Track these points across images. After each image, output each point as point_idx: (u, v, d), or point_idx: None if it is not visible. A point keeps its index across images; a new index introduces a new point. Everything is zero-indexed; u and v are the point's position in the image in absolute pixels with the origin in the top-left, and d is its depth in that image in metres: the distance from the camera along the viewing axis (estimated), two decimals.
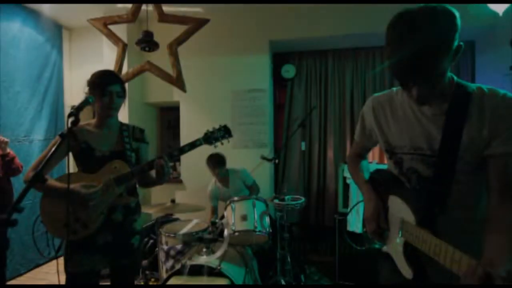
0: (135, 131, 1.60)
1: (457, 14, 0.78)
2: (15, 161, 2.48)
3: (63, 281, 1.36)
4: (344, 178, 2.88)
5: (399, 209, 0.94)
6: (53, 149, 1.14)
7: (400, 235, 0.92)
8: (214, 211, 2.98)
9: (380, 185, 1.03)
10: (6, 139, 2.43)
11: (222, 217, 2.47)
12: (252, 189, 2.92)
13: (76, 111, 1.19)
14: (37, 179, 1.00)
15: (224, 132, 1.56)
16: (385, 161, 1.25)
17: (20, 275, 3.07)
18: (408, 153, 0.96)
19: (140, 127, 1.65)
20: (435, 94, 0.86)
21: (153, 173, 1.48)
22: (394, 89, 1.04)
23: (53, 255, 3.44)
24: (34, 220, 3.16)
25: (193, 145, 1.51)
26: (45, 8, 3.29)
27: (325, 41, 3.51)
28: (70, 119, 1.16)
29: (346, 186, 2.87)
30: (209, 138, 1.53)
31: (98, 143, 1.48)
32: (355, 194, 2.74)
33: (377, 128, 1.05)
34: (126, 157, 1.49)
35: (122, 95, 1.49)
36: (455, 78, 0.91)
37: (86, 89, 1.47)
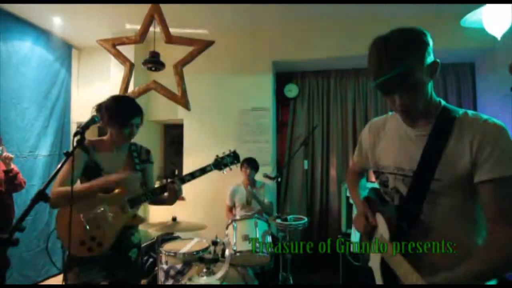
0: (142, 152, 1.66)
1: (426, 32, 0.87)
2: (18, 177, 2.49)
3: None
4: (347, 198, 2.86)
5: (380, 225, 0.98)
6: (59, 165, 1.15)
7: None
8: (230, 209, 3.09)
9: (371, 203, 1.06)
10: (10, 155, 2.45)
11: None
12: (266, 206, 2.92)
13: (82, 130, 1.21)
14: (40, 198, 1.00)
15: (233, 158, 1.63)
16: None
17: None
18: (392, 173, 1.00)
19: (146, 147, 1.71)
20: (418, 109, 0.90)
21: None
22: (390, 113, 1.10)
23: (53, 272, 3.39)
24: (49, 235, 3.20)
25: (203, 171, 1.58)
26: (56, 28, 3.41)
27: (327, 62, 3.59)
28: (76, 138, 1.18)
29: (350, 206, 2.84)
30: (219, 164, 1.60)
31: (107, 165, 1.51)
32: None
33: (370, 150, 1.12)
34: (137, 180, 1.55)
35: (140, 125, 1.57)
36: (443, 102, 0.96)
37: (94, 110, 1.50)
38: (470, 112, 0.91)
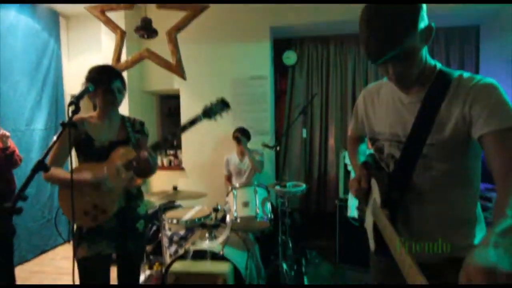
0: (135, 123, 1.64)
1: None
2: (16, 154, 2.50)
3: (70, 266, 1.38)
4: (345, 165, 2.90)
5: (374, 190, 1.00)
6: (54, 138, 1.15)
7: (372, 213, 1.00)
8: (229, 179, 3.16)
9: (368, 168, 1.08)
10: (7, 133, 2.43)
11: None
12: (256, 162, 2.94)
13: (76, 100, 1.20)
14: (40, 168, 1.01)
15: (222, 105, 1.59)
16: None
17: (27, 261, 3.15)
18: (387, 139, 1.00)
19: (141, 119, 1.68)
20: (413, 77, 0.88)
21: None
22: (385, 79, 1.07)
23: (60, 241, 3.52)
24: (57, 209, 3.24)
25: (193, 122, 1.52)
26: None
27: (327, 27, 3.44)
28: (71, 108, 1.16)
29: (347, 173, 2.89)
30: (208, 112, 1.55)
31: (98, 134, 1.50)
32: None
33: (365, 118, 1.11)
34: (131, 144, 1.53)
35: (123, 90, 1.53)
36: (439, 65, 0.93)
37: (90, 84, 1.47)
38: (465, 74, 0.89)
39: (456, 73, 0.90)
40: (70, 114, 1.16)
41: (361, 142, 1.30)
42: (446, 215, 0.92)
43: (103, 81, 1.45)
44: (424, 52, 0.89)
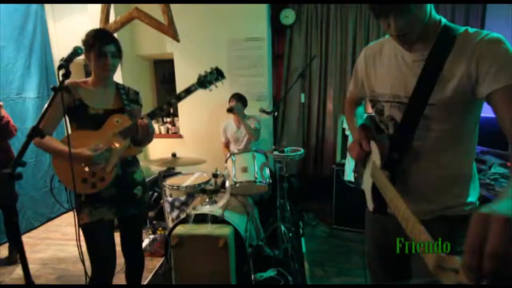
0: (130, 92, 1.61)
1: None
2: (10, 124, 2.45)
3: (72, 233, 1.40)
4: (343, 130, 2.89)
5: (374, 152, 1.00)
6: (47, 103, 1.11)
7: (370, 175, 1.01)
8: (226, 145, 3.16)
9: (367, 131, 1.07)
10: (0, 103, 2.37)
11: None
12: (252, 129, 2.90)
13: (66, 63, 1.15)
14: (35, 133, 0.99)
15: (217, 75, 1.59)
16: None
17: (34, 228, 3.25)
18: (388, 101, 0.98)
19: (135, 89, 1.65)
20: (415, 32, 0.84)
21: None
22: (387, 36, 1.02)
23: (63, 210, 3.60)
24: (52, 177, 3.26)
25: (188, 91, 1.54)
26: None
27: None
28: (61, 72, 1.11)
29: (345, 138, 2.90)
30: (203, 82, 1.55)
31: (92, 101, 1.47)
32: None
33: (366, 77, 1.07)
34: (126, 111, 1.52)
35: (117, 55, 1.48)
36: (443, 21, 0.88)
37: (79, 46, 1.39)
38: (471, 29, 0.85)
39: (462, 28, 0.86)
40: (60, 78, 1.12)
41: (358, 104, 1.28)
42: (442, 174, 0.93)
43: (95, 44, 1.40)
44: (429, 6, 0.84)
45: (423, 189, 0.95)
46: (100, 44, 1.40)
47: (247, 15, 3.30)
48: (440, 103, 0.86)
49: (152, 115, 1.50)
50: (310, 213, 3.32)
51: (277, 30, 3.64)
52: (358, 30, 3.49)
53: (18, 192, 2.61)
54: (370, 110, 3.16)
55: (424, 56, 0.88)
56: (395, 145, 0.94)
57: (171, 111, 3.98)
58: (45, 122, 1.34)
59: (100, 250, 1.51)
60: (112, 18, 2.54)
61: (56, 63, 3.61)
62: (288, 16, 3.53)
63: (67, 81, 1.28)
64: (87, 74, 1.54)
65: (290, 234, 2.62)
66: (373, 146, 1.01)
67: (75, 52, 1.23)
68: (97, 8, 2.71)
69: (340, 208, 2.92)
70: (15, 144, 2.65)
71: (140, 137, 1.48)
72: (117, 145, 1.45)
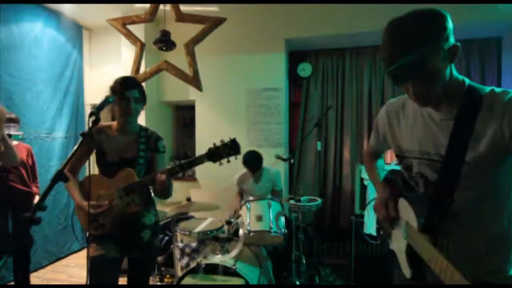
0: (151, 139, 1.61)
1: (447, 15, 0.80)
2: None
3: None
4: (361, 179, 2.82)
5: (405, 212, 0.95)
6: (75, 147, 1.17)
7: (404, 237, 0.94)
8: (241, 193, 3.01)
9: (392, 186, 1.03)
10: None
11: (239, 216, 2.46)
12: (276, 195, 2.83)
13: (97, 110, 1.22)
14: (60, 178, 1.02)
15: (230, 149, 1.37)
16: None
17: (42, 267, 3.19)
18: (416, 158, 0.96)
19: (158, 135, 1.65)
20: (434, 96, 0.85)
21: None
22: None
23: (74, 249, 3.56)
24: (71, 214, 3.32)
25: (193, 163, 1.42)
26: (66, 8, 3.37)
27: (343, 39, 3.44)
28: (91, 119, 1.18)
29: (364, 188, 2.81)
30: (213, 155, 1.37)
31: (111, 149, 1.52)
32: (373, 196, 2.67)
33: (389, 133, 1.07)
34: (136, 165, 1.51)
35: (140, 100, 1.53)
36: (467, 81, 0.90)
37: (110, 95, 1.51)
38: (497, 89, 0.86)
39: (487, 88, 0.87)
40: (90, 124, 1.18)
41: (379, 157, 1.27)
42: (483, 237, 0.88)
43: (120, 89, 1.48)
44: (449, 71, 0.85)
45: (463, 253, 0.87)
46: (124, 89, 1.47)
47: (266, 67, 3.51)
48: (475, 161, 0.84)
49: (171, 173, 1.42)
50: (327, 267, 3.09)
51: (294, 80, 3.81)
52: (373, 81, 3.59)
53: (33, 236, 2.62)
54: (389, 160, 3.08)
55: (452, 115, 0.87)
56: (434, 206, 0.88)
57: (188, 154, 4.07)
58: (71, 165, 1.46)
59: (97, 284, 1.49)
60: (142, 69, 2.75)
61: (87, 106, 3.91)
62: (305, 69, 3.72)
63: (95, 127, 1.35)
64: (113, 117, 1.61)
65: None
66: (404, 205, 0.96)
67: (106, 100, 1.32)
68: (130, 58, 2.97)
69: (360, 264, 2.71)
70: (40, 181, 2.73)
71: (158, 191, 1.46)
72: (116, 201, 1.47)
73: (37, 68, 3.21)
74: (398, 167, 1.11)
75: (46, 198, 0.96)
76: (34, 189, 2.62)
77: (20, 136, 2.43)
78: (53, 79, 3.42)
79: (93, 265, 1.48)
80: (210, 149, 1.39)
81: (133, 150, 1.54)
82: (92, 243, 1.51)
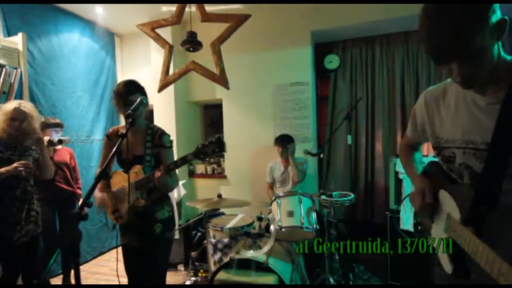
0: (155, 136, 1.68)
1: None
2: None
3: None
4: (396, 173, 2.69)
5: (447, 204, 0.90)
6: (114, 149, 1.23)
7: (444, 230, 0.90)
8: (271, 186, 3.14)
9: (432, 178, 0.98)
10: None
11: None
12: (299, 170, 2.93)
13: (133, 112, 1.29)
14: (103, 176, 1.08)
15: (215, 146, 1.40)
16: None
17: (87, 261, 3.43)
18: (460, 147, 0.90)
19: (163, 130, 1.72)
20: (481, 77, 0.78)
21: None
22: (449, 80, 0.97)
23: (114, 245, 3.77)
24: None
25: (185, 160, 1.48)
26: (99, 17, 3.56)
27: (372, 26, 3.29)
28: (129, 120, 1.24)
29: (399, 182, 2.68)
30: (199, 153, 1.43)
31: (125, 147, 1.62)
32: (409, 190, 2.55)
33: (428, 123, 1.02)
34: (144, 162, 1.62)
35: (142, 102, 1.58)
36: None
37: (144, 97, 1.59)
38: None
39: None
40: (128, 126, 1.25)
41: (416, 149, 1.20)
42: None
43: (122, 94, 1.58)
44: (496, 48, 0.78)
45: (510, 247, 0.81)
46: (126, 93, 1.58)
47: (292, 61, 3.46)
48: None
49: (166, 170, 1.52)
50: (361, 264, 3.01)
51: (321, 73, 3.72)
52: (406, 70, 3.41)
53: (81, 231, 2.83)
54: (425, 152, 2.92)
55: (499, 98, 0.80)
56: (481, 197, 0.82)
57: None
58: (100, 165, 1.72)
59: (126, 270, 1.76)
60: (171, 71, 2.84)
61: None
62: (332, 61, 3.61)
63: (110, 129, 1.73)
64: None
65: None
66: (446, 197, 0.91)
67: (141, 102, 1.39)
68: (158, 61, 3.08)
69: (396, 261, 2.60)
70: (82, 181, 2.93)
71: (159, 186, 1.58)
72: (132, 194, 1.59)
73: (76, 76, 3.44)
74: (437, 159, 1.05)
75: (92, 194, 1.02)
76: (78, 190, 2.82)
77: (68, 141, 2.61)
78: (90, 85, 3.64)
79: (123, 252, 1.76)
80: (197, 148, 1.44)
81: (141, 147, 1.65)
82: (120, 233, 1.76)
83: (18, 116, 1.88)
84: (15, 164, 1.85)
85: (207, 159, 1.44)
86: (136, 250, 1.71)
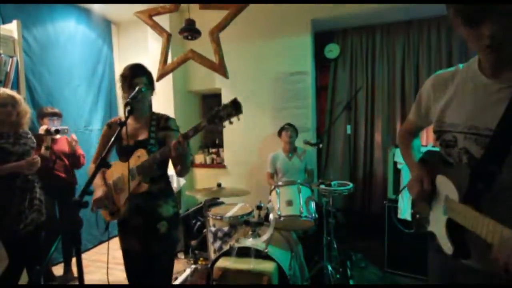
0: (161, 120, 1.59)
1: None
2: (82, 157, 2.77)
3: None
4: (395, 163, 2.71)
5: (444, 187, 0.91)
6: (113, 136, 1.22)
7: (443, 213, 0.91)
8: (272, 176, 3.13)
9: (429, 166, 0.98)
10: (75, 138, 2.70)
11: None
12: (309, 174, 2.98)
13: (131, 100, 1.27)
14: (103, 165, 1.08)
15: (231, 109, 1.25)
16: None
17: (88, 250, 3.46)
18: (462, 132, 0.89)
19: (168, 115, 1.65)
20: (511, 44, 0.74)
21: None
22: (461, 66, 0.96)
23: (115, 234, 3.80)
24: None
25: (196, 129, 1.32)
26: (95, 5, 3.49)
27: (372, 15, 3.24)
28: (127, 108, 1.23)
29: (397, 172, 2.70)
30: (214, 117, 1.26)
31: (125, 135, 1.51)
32: (407, 180, 2.56)
33: (433, 107, 1.00)
34: (148, 146, 1.49)
35: (148, 87, 1.53)
36: None
37: (143, 86, 1.50)
38: None
39: None
40: (126, 114, 1.23)
41: (415, 136, 1.20)
42: None
43: (128, 76, 1.49)
44: None
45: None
46: (133, 76, 1.49)
47: (292, 50, 3.42)
48: None
49: (185, 137, 1.36)
50: (359, 252, 3.06)
51: (321, 62, 3.69)
52: (406, 59, 3.38)
53: (82, 219, 2.84)
54: (424, 142, 2.92)
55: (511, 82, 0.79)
56: (479, 174, 0.82)
57: (217, 141, 4.14)
58: (97, 153, 1.59)
59: (128, 278, 1.61)
60: (169, 59, 2.80)
61: (119, 99, 4.06)
62: (332, 50, 3.58)
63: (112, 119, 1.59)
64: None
65: (338, 276, 2.42)
66: (443, 180, 0.92)
67: (139, 91, 1.37)
68: (156, 50, 3.04)
69: (394, 249, 2.65)
70: (80, 171, 2.93)
71: (174, 161, 1.46)
72: (135, 179, 1.46)
73: (72, 64, 3.39)
74: (435, 149, 1.05)
75: (92, 183, 1.02)
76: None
77: (66, 131, 2.59)
78: (88, 74, 3.59)
79: (123, 258, 1.61)
80: (210, 112, 1.29)
81: (145, 132, 1.55)
82: (118, 234, 1.60)
83: (7, 101, 1.85)
84: (24, 163, 1.86)
85: (224, 124, 1.27)
86: (138, 255, 1.54)
